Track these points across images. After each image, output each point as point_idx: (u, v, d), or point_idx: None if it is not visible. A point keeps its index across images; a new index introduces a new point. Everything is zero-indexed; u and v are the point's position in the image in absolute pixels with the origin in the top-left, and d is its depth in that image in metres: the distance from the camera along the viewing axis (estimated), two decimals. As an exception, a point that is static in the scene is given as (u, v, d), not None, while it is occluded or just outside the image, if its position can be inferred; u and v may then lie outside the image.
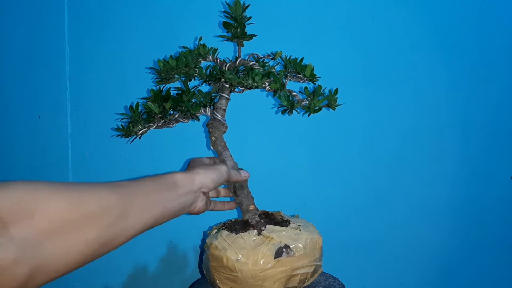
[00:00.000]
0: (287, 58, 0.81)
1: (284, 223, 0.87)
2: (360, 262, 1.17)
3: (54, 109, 1.15)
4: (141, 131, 0.86)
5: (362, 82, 1.13)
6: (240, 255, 0.77)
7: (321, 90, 0.80)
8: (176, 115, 0.87)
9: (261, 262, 0.76)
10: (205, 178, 0.68)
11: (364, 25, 1.11)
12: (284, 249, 0.77)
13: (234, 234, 0.82)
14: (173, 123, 0.88)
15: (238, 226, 0.89)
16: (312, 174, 1.15)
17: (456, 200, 1.18)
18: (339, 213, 1.15)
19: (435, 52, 1.13)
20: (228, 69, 0.86)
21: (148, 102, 0.82)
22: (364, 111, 1.14)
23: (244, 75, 0.80)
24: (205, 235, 1.14)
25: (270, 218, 0.90)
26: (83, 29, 1.13)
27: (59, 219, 0.43)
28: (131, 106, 0.84)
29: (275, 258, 0.76)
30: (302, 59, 0.79)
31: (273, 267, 0.76)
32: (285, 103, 0.77)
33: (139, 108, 0.83)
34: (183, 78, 0.89)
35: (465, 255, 1.20)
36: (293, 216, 0.93)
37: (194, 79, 0.93)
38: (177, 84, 0.92)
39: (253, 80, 0.77)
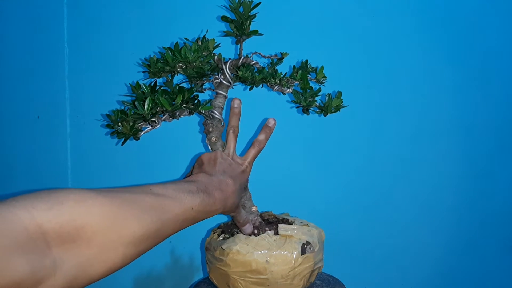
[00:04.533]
0: (305, 63, 0.83)
1: (281, 221, 0.88)
2: (360, 262, 1.19)
3: (53, 109, 1.14)
4: (145, 130, 0.76)
5: (364, 83, 1.15)
6: (268, 257, 0.76)
7: (320, 91, 0.84)
8: (177, 113, 0.80)
9: (290, 261, 0.76)
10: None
11: (365, 25, 1.13)
12: (306, 246, 0.79)
13: (253, 237, 0.80)
14: (178, 117, 0.80)
15: (236, 228, 0.87)
16: (312, 174, 1.17)
17: (458, 201, 1.20)
18: (340, 213, 1.17)
19: (439, 52, 1.15)
20: (230, 67, 0.83)
21: (161, 98, 0.73)
22: (367, 112, 1.15)
23: (268, 74, 0.78)
24: (206, 235, 1.08)
25: (263, 219, 0.90)
26: (82, 29, 1.12)
27: (101, 245, 0.42)
28: (138, 102, 0.73)
29: (302, 255, 0.77)
30: (322, 67, 0.82)
31: (301, 264, 0.77)
32: (304, 104, 0.79)
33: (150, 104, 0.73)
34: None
35: (466, 255, 1.22)
36: (281, 214, 0.95)
37: (177, 75, 0.86)
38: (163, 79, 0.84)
39: (280, 81, 0.77)
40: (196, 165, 0.75)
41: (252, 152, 0.78)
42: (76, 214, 0.39)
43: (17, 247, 0.34)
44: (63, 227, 0.38)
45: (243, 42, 0.84)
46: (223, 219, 1.06)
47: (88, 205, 0.40)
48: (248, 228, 0.81)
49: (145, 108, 0.73)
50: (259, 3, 0.79)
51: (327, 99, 0.81)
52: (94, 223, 0.40)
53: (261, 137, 0.80)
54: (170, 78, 0.83)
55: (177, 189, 0.56)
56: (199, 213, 0.60)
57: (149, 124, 0.78)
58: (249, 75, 0.79)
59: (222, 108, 0.86)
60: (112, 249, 0.43)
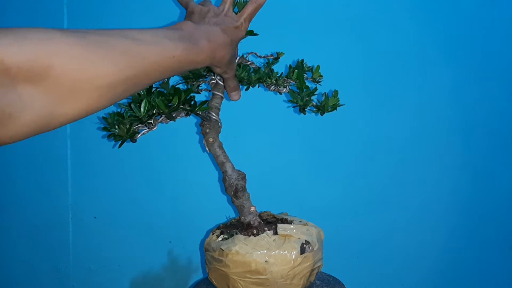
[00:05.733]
0: (301, 62, 0.83)
1: (280, 221, 0.89)
2: (360, 262, 1.20)
3: None
4: (142, 132, 0.76)
5: (361, 82, 1.15)
6: (267, 257, 0.76)
7: (316, 91, 0.84)
8: (173, 115, 0.79)
9: (290, 261, 0.76)
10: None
11: (362, 24, 1.13)
12: (305, 245, 0.79)
13: (252, 237, 0.80)
14: (175, 119, 0.80)
15: (235, 229, 0.87)
16: (312, 174, 1.17)
17: (457, 201, 1.20)
18: (340, 213, 1.18)
19: (437, 52, 1.15)
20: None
21: (158, 100, 0.73)
22: (364, 111, 1.15)
23: (264, 73, 0.78)
24: (205, 236, 1.08)
25: (262, 219, 0.90)
26: (82, 28, 1.02)
27: (71, 85, 0.41)
28: (136, 105, 0.73)
29: (301, 254, 0.77)
30: (318, 66, 0.82)
31: (300, 264, 0.77)
32: (300, 103, 0.79)
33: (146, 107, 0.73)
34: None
35: (465, 255, 1.22)
36: (280, 214, 0.95)
37: (173, 76, 0.86)
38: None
39: (276, 81, 0.77)
40: (187, 15, 0.68)
41: (248, 8, 0.69)
42: (41, 52, 0.37)
43: None
44: (27, 64, 0.36)
45: (239, 43, 0.84)
46: (222, 219, 1.06)
47: (54, 44, 0.39)
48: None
49: (142, 110, 0.73)
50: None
51: (323, 98, 0.81)
52: (61, 62, 0.39)
53: None
54: (166, 79, 0.83)
55: (157, 35, 0.51)
56: (182, 63, 0.54)
57: (146, 126, 0.78)
58: (245, 75, 0.79)
59: (219, 109, 0.86)
60: (83, 90, 0.42)
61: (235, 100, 0.78)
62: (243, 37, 0.70)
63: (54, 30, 0.40)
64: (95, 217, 1.16)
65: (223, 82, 0.83)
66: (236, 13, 0.76)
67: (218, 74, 0.73)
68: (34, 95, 0.38)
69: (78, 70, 0.40)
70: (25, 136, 0.39)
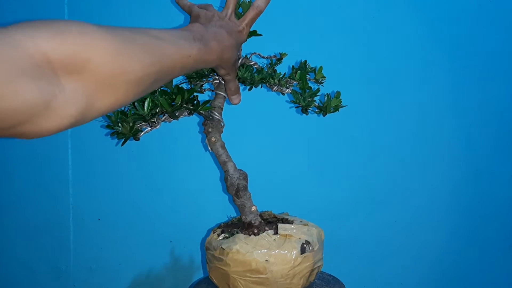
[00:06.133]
0: (304, 63, 0.84)
1: (281, 221, 0.89)
2: (360, 262, 1.20)
3: None
4: (145, 130, 0.76)
5: (363, 83, 1.15)
6: (267, 256, 0.76)
7: (319, 92, 0.85)
8: (177, 114, 0.80)
9: (290, 260, 0.77)
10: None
11: (364, 25, 1.14)
12: (305, 245, 0.80)
13: (253, 236, 0.80)
14: (178, 117, 0.81)
15: (236, 228, 0.87)
16: (313, 174, 1.17)
17: (457, 201, 1.20)
18: (339, 213, 1.18)
19: (438, 52, 1.15)
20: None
21: (161, 98, 0.73)
22: (366, 111, 1.16)
23: (267, 74, 0.79)
24: (206, 235, 1.08)
25: (262, 218, 0.90)
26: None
27: (106, 79, 0.42)
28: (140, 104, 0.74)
29: (301, 254, 0.78)
30: (321, 67, 0.83)
31: (300, 264, 0.78)
32: (303, 104, 0.80)
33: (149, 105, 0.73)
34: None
35: (465, 255, 1.22)
36: (281, 214, 0.95)
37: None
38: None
39: (279, 82, 0.77)
40: (192, 19, 0.70)
41: (250, 14, 0.72)
42: (80, 46, 0.38)
43: (23, 73, 0.34)
44: (68, 58, 0.37)
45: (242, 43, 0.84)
46: (223, 219, 1.07)
47: (91, 38, 0.40)
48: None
49: (145, 108, 0.74)
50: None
51: (326, 99, 0.81)
52: (98, 56, 0.40)
53: (260, 1, 0.73)
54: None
55: (174, 35, 0.54)
56: (196, 62, 0.57)
57: (149, 124, 0.78)
58: (248, 75, 0.79)
59: (222, 109, 0.86)
60: (115, 85, 0.43)
61: (235, 104, 0.80)
62: (245, 41, 0.73)
63: (89, 25, 0.41)
64: (99, 219, 1.16)
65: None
66: (240, 13, 0.77)
67: (221, 76, 0.75)
68: (75, 88, 0.39)
69: (112, 64, 0.41)
70: (61, 129, 0.40)
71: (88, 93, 0.40)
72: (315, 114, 0.87)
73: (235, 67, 0.72)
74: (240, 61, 0.83)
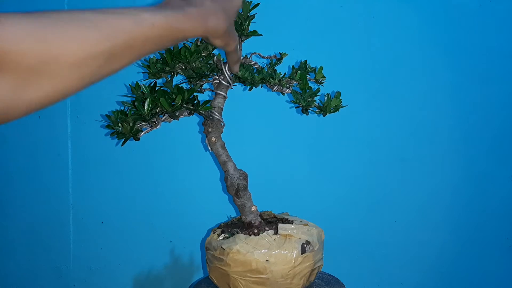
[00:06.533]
0: (304, 63, 0.84)
1: (281, 221, 0.89)
2: (360, 261, 1.20)
3: (54, 109, 1.11)
4: (145, 130, 0.76)
5: (363, 83, 1.15)
6: (267, 256, 0.76)
7: (319, 92, 0.85)
8: (177, 114, 0.80)
9: (290, 260, 0.77)
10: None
11: (364, 25, 1.13)
12: (305, 245, 0.80)
13: (253, 236, 0.80)
14: (178, 117, 0.81)
15: (236, 228, 0.87)
16: (313, 174, 1.17)
17: (457, 201, 1.20)
18: (339, 213, 1.18)
19: (437, 53, 1.15)
20: (229, 67, 0.83)
21: (161, 98, 0.73)
22: (366, 112, 1.16)
23: (267, 74, 0.79)
24: (206, 235, 1.08)
25: (263, 218, 0.90)
26: None
27: (33, 68, 0.39)
28: (138, 104, 0.74)
29: (301, 254, 0.78)
30: (321, 67, 0.83)
31: (300, 263, 0.78)
32: (303, 104, 0.79)
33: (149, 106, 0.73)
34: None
35: (465, 255, 1.22)
36: (281, 214, 0.95)
37: (176, 75, 0.87)
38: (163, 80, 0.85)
39: (279, 82, 0.77)
40: None
41: None
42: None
43: None
44: None
45: (242, 43, 0.84)
46: (223, 219, 1.07)
47: (6, 29, 0.37)
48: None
49: (145, 108, 0.74)
50: (258, 4, 0.80)
51: (326, 99, 0.81)
52: (18, 46, 0.37)
53: None
54: (169, 78, 0.84)
55: (137, 8, 0.47)
56: (167, 31, 0.48)
57: (149, 124, 0.78)
58: (248, 75, 0.79)
59: (222, 109, 0.86)
60: (48, 72, 0.40)
61: (235, 72, 0.70)
62: (239, 6, 0.62)
63: (9, 15, 0.38)
64: (102, 222, 1.16)
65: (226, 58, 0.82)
66: (241, 13, 0.77)
67: (219, 47, 0.63)
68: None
69: (40, 51, 0.39)
70: None
71: (10, 87, 0.38)
72: (315, 114, 0.87)
73: (232, 35, 0.61)
74: (242, 60, 0.83)
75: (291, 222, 0.87)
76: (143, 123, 0.79)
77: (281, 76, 0.81)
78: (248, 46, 0.85)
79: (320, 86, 0.85)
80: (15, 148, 1.17)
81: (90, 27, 0.42)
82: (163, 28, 0.48)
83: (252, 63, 0.84)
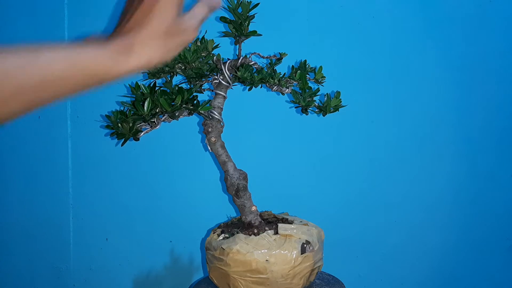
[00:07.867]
0: (304, 63, 0.84)
1: (281, 221, 0.89)
2: (360, 262, 1.20)
3: (54, 109, 1.13)
4: (145, 131, 0.77)
5: (363, 83, 1.15)
6: (267, 256, 0.76)
7: (319, 92, 0.85)
8: (177, 114, 0.80)
9: (290, 260, 0.77)
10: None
11: (364, 25, 1.14)
12: (306, 245, 0.80)
13: (253, 236, 0.80)
14: (178, 117, 0.81)
15: (236, 228, 0.87)
16: (313, 174, 1.17)
17: (457, 201, 1.20)
18: (339, 213, 1.18)
19: (438, 52, 1.15)
20: (229, 67, 0.83)
21: (161, 99, 0.73)
22: (366, 111, 1.16)
23: (267, 74, 0.79)
24: (206, 235, 1.08)
25: (262, 218, 0.90)
26: (83, 29, 1.12)
27: None
28: (138, 104, 0.74)
29: (301, 254, 0.78)
30: (321, 67, 0.83)
31: (300, 263, 0.78)
32: (303, 104, 0.79)
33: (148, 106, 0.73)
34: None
35: (465, 255, 1.22)
36: (281, 214, 0.95)
37: (176, 76, 0.87)
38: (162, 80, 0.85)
39: (279, 82, 0.77)
40: None
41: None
42: None
43: None
44: None
45: (242, 43, 0.85)
46: (223, 219, 1.07)
47: None
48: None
49: (145, 109, 0.74)
50: (257, 4, 0.80)
51: (326, 99, 0.81)
52: None
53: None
54: (169, 78, 0.84)
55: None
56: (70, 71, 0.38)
57: (149, 124, 0.79)
58: (248, 75, 0.79)
59: (222, 109, 0.86)
60: None
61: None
62: (189, 41, 0.46)
63: None
64: (102, 222, 1.16)
65: None
66: (240, 13, 0.77)
67: None
68: None
69: None
70: None
71: None
72: (315, 114, 0.87)
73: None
74: (239, 60, 0.83)
75: (291, 222, 0.87)
76: (143, 123, 0.79)
77: (281, 76, 0.81)
78: (248, 46, 0.85)
79: (320, 86, 0.85)
80: (15, 148, 1.17)
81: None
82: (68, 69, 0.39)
83: (252, 63, 0.84)
